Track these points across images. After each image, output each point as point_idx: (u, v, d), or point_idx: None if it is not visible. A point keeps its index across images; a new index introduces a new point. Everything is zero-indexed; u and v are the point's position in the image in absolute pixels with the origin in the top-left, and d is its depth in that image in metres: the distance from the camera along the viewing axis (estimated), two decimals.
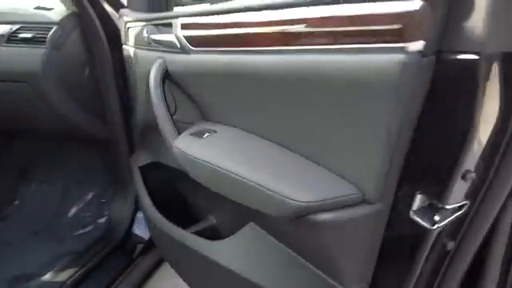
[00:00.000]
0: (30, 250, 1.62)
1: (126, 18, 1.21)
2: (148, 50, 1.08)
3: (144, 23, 1.09)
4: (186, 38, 0.89)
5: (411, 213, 0.59)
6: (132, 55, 1.19)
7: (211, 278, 1.02)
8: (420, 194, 0.58)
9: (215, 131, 0.88)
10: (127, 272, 1.57)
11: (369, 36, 0.53)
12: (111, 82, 1.46)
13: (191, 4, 1.25)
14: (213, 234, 1.09)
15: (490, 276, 0.65)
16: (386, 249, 0.67)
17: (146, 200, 1.23)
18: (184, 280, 1.24)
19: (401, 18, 0.49)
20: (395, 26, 0.50)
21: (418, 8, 0.48)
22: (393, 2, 0.50)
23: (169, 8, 1.17)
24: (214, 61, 0.83)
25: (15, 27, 1.45)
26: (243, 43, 0.75)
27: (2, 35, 1.44)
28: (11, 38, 1.44)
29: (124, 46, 1.27)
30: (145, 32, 1.07)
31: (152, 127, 1.24)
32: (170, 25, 0.96)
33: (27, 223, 1.78)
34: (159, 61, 0.99)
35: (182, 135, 0.92)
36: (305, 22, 0.61)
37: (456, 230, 0.60)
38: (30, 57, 1.41)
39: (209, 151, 0.81)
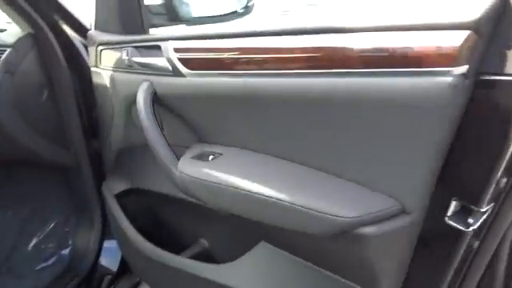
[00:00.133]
0: None
1: (97, 40, 1.17)
2: (129, 72, 1.06)
3: (123, 45, 1.07)
4: (181, 60, 0.89)
5: (446, 218, 0.65)
6: (106, 78, 1.16)
7: None
8: (455, 199, 0.64)
9: (220, 153, 0.88)
10: None
11: (418, 61, 0.59)
12: (72, 106, 1.39)
13: (167, 26, 1.24)
14: (207, 258, 1.08)
15: (499, 273, 0.72)
16: (419, 253, 0.71)
17: (129, 229, 1.18)
18: None
19: (451, 45, 0.56)
20: (445, 52, 0.57)
21: (466, 37, 0.55)
22: (443, 31, 0.57)
23: (145, 30, 1.15)
24: (215, 84, 0.84)
25: None
26: (256, 66, 0.78)
27: None
28: None
29: (94, 69, 1.23)
30: (124, 54, 1.05)
31: (130, 152, 1.20)
32: (156, 47, 0.95)
33: None
34: (146, 84, 0.97)
35: (183, 160, 0.91)
36: (345, 48, 0.66)
37: (480, 230, 0.66)
38: None
39: (226, 174, 0.81)
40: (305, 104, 0.73)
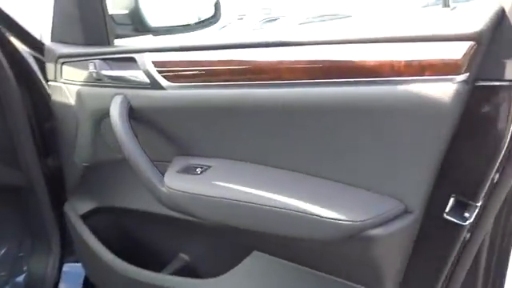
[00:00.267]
0: None
1: (57, 53, 1.10)
2: (97, 86, 1.00)
3: (89, 58, 1.01)
4: (161, 73, 0.87)
5: (445, 214, 0.70)
6: (68, 93, 1.09)
7: None
8: (454, 196, 0.69)
9: (209, 166, 0.87)
10: None
11: (424, 69, 0.63)
12: (23, 123, 1.29)
13: (132, 36, 1.19)
14: (190, 273, 1.05)
15: (481, 263, 0.79)
16: (418, 249, 0.75)
17: (100, 250, 1.12)
18: None
19: (456, 55, 0.61)
20: (450, 61, 0.61)
21: (469, 47, 0.60)
22: (448, 42, 0.62)
23: (110, 41, 1.09)
24: (197, 96, 0.83)
25: None
26: (240, 77, 0.79)
27: None
28: None
29: (52, 84, 1.15)
30: (91, 67, 0.99)
31: (98, 169, 1.14)
32: (129, 59, 0.92)
33: None
34: (120, 97, 0.93)
35: (168, 175, 0.88)
36: (347, 59, 0.70)
37: (472, 222, 0.71)
38: None
39: (223, 186, 0.81)
40: (298, 113, 0.75)
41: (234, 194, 0.79)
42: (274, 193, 0.76)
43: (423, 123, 0.65)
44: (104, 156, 1.09)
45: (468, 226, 0.70)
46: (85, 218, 1.21)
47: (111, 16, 1.12)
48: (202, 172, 0.86)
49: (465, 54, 0.60)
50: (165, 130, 0.94)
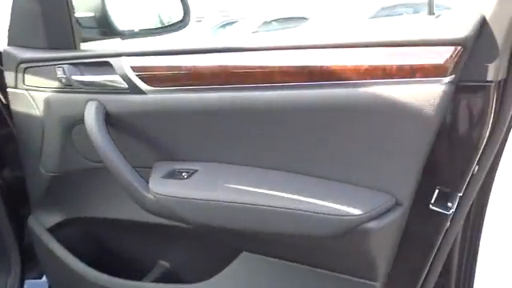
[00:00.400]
0: None
1: (18, 58, 1.03)
2: (67, 92, 0.96)
3: (56, 62, 0.96)
4: (141, 77, 0.85)
5: (430, 205, 0.75)
6: (32, 100, 1.03)
7: None
8: (438, 188, 0.74)
9: (195, 170, 0.86)
10: None
11: (414, 71, 0.68)
12: None
13: (99, 40, 1.14)
14: (171, 280, 1.03)
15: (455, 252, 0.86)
16: (405, 238, 0.80)
17: (73, 262, 1.07)
18: None
19: (444, 58, 0.66)
20: (439, 64, 0.66)
21: (456, 51, 0.66)
22: (437, 47, 0.67)
23: (76, 45, 1.04)
24: (179, 99, 0.83)
25: None
26: (221, 80, 0.81)
27: None
28: None
29: (12, 90, 1.08)
30: (60, 72, 0.95)
31: (67, 179, 1.08)
32: (103, 64, 0.89)
33: None
34: (94, 103, 0.90)
35: (153, 180, 0.86)
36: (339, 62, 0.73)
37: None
38: None
39: (215, 189, 0.81)
40: (288, 114, 0.78)
41: (227, 196, 0.79)
42: (270, 193, 0.77)
43: (412, 121, 0.69)
44: (74, 165, 1.04)
45: (451, 215, 0.75)
46: (52, 231, 1.15)
47: (76, 19, 1.07)
48: (188, 176, 0.85)
49: (452, 58, 0.66)
50: (144, 135, 0.92)
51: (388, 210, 0.73)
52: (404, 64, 0.69)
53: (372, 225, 0.72)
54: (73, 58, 0.95)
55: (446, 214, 0.74)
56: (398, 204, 0.74)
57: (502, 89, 0.69)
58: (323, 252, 0.84)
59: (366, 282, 0.81)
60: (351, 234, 0.72)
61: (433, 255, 0.79)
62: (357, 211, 0.71)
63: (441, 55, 0.66)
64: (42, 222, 1.17)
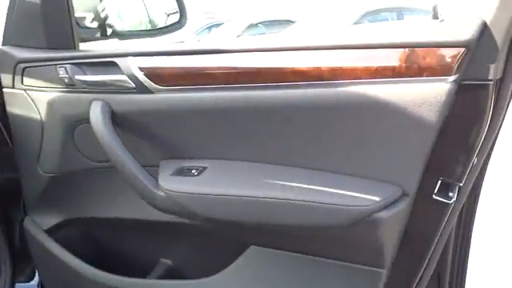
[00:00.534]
0: None
1: (17, 57, 1.02)
2: (69, 92, 0.96)
3: (57, 62, 0.96)
4: (149, 76, 0.87)
5: (433, 195, 0.79)
6: (32, 100, 1.02)
7: None
8: (441, 179, 0.78)
9: (204, 167, 0.88)
10: None
11: (422, 71, 0.73)
12: None
13: (98, 40, 1.14)
14: (174, 277, 1.05)
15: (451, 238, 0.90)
16: (410, 226, 0.84)
17: (75, 263, 1.07)
18: None
19: (450, 59, 0.71)
20: (445, 64, 0.72)
21: (461, 52, 0.71)
22: (443, 48, 0.72)
23: (75, 45, 1.04)
24: (188, 98, 0.86)
25: None
26: (230, 79, 0.84)
27: None
28: None
29: (9, 91, 1.07)
30: (62, 72, 0.95)
31: (67, 179, 1.08)
32: (109, 63, 0.90)
33: None
34: (99, 103, 0.91)
35: (163, 178, 0.88)
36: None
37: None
38: None
39: (225, 185, 0.84)
40: (295, 112, 0.81)
41: (239, 191, 0.82)
42: (282, 186, 0.81)
43: (419, 117, 0.73)
44: (75, 165, 1.04)
45: (452, 204, 0.80)
46: (50, 232, 1.14)
47: (76, 19, 1.07)
48: (199, 173, 0.87)
49: (457, 58, 0.71)
50: (151, 134, 0.93)
51: (396, 201, 0.77)
52: (412, 64, 0.73)
53: (382, 214, 0.76)
54: (76, 58, 0.95)
55: (448, 203, 0.79)
56: (404, 194, 0.79)
57: (498, 87, 0.74)
58: (332, 242, 0.88)
59: (374, 269, 0.85)
60: (362, 223, 0.76)
61: (435, 242, 0.84)
62: (367, 202, 0.75)
63: (447, 56, 0.71)
64: (39, 224, 1.16)
